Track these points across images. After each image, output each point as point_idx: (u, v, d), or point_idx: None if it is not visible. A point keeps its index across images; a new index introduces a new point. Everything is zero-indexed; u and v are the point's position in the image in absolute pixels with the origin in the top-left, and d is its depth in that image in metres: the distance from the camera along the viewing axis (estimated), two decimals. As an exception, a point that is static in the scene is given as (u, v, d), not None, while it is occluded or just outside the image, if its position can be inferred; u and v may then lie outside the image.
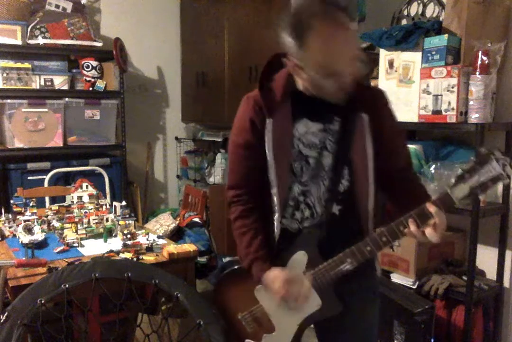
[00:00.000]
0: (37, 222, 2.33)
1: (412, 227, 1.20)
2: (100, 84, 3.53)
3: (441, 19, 2.35)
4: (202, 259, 3.40)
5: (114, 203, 2.52)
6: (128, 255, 2.03)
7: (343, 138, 1.33)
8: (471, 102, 2.15)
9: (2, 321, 1.46)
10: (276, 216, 1.37)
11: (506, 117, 2.33)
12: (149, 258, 2.04)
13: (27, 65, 3.29)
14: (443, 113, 2.20)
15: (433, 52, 2.24)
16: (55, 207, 2.57)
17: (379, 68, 2.53)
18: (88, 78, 3.50)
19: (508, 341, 2.44)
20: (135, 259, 1.99)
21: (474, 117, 2.14)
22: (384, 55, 2.49)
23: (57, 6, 3.43)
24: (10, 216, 2.44)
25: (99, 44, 3.51)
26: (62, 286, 1.59)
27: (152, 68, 4.14)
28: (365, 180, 1.35)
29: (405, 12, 2.62)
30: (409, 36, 2.31)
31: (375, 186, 1.37)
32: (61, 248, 2.12)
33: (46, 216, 2.50)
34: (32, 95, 3.30)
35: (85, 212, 2.36)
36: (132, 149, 3.90)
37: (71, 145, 3.47)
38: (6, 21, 3.22)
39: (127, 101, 3.72)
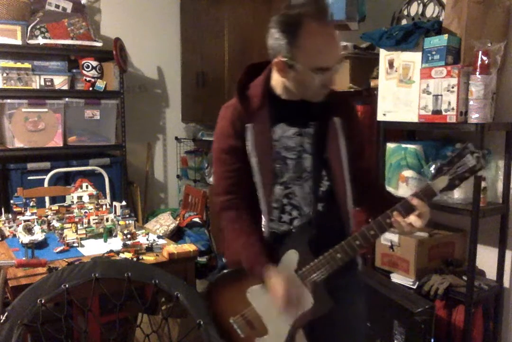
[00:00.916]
0: (37, 222, 2.33)
1: (398, 218, 1.27)
2: (100, 84, 3.53)
3: (441, 19, 2.35)
4: (202, 259, 3.41)
5: (114, 203, 2.53)
6: (128, 255, 2.03)
7: (319, 140, 1.41)
8: (471, 102, 2.15)
9: (2, 321, 1.46)
10: (264, 219, 1.41)
11: (506, 117, 2.33)
12: (149, 258, 2.04)
13: (27, 65, 3.29)
14: (443, 113, 2.20)
15: (433, 52, 2.24)
16: (55, 207, 2.57)
17: (379, 68, 2.53)
18: (88, 78, 3.50)
19: (508, 341, 2.44)
20: (135, 259, 1.99)
21: (474, 117, 2.14)
22: (384, 55, 2.48)
23: (57, 6, 3.43)
24: (10, 216, 2.44)
25: (99, 44, 3.51)
26: (62, 286, 1.59)
27: (152, 68, 4.14)
28: (342, 180, 1.42)
29: (405, 12, 2.62)
30: (409, 36, 2.31)
31: (351, 186, 1.44)
32: (61, 248, 2.12)
33: (46, 216, 2.50)
34: (32, 95, 3.30)
35: (85, 212, 2.36)
36: (132, 149, 3.90)
37: (71, 145, 3.47)
38: (6, 21, 3.22)
39: (127, 101, 3.72)
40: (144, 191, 4.05)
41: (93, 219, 2.33)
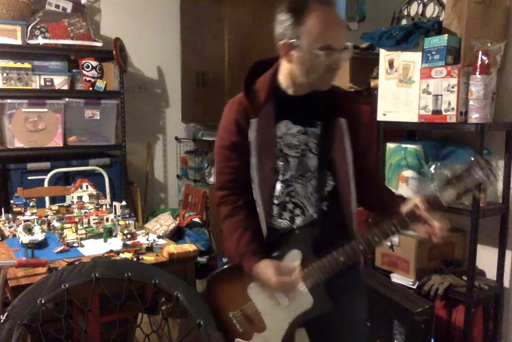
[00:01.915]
0: (37, 222, 2.33)
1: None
2: (100, 84, 3.53)
3: (441, 19, 2.35)
4: (202, 259, 3.41)
5: (114, 203, 2.52)
6: (128, 255, 2.03)
7: (325, 141, 1.41)
8: (471, 102, 2.15)
9: (2, 321, 1.46)
10: (262, 215, 1.42)
11: (506, 117, 2.33)
12: (149, 258, 2.03)
13: (27, 65, 3.29)
14: (443, 113, 2.20)
15: (433, 52, 2.24)
16: (55, 207, 2.57)
17: (379, 68, 2.53)
18: (88, 78, 3.50)
19: (508, 341, 2.44)
20: (135, 259, 1.99)
21: (474, 117, 2.14)
22: (384, 55, 2.49)
23: (57, 6, 3.43)
24: (10, 216, 2.44)
25: (99, 44, 3.51)
26: (62, 286, 1.58)
27: (152, 68, 4.14)
28: (346, 180, 1.42)
29: (405, 12, 2.62)
30: (409, 36, 2.31)
31: (356, 186, 1.44)
32: (61, 248, 2.12)
33: (46, 216, 2.50)
34: (32, 95, 3.30)
35: (85, 212, 2.36)
36: (132, 149, 3.90)
37: (71, 145, 3.47)
38: (6, 21, 3.22)
39: (127, 101, 3.71)
40: (144, 191, 4.05)
41: (93, 219, 2.32)
